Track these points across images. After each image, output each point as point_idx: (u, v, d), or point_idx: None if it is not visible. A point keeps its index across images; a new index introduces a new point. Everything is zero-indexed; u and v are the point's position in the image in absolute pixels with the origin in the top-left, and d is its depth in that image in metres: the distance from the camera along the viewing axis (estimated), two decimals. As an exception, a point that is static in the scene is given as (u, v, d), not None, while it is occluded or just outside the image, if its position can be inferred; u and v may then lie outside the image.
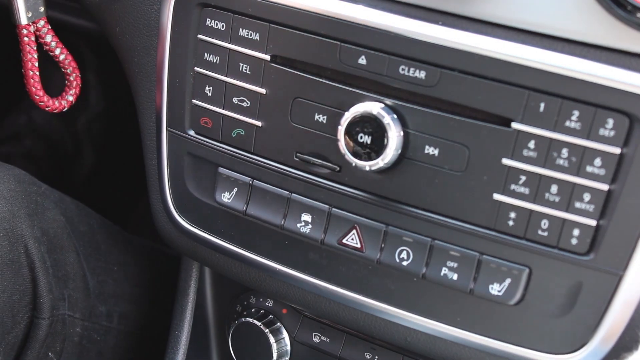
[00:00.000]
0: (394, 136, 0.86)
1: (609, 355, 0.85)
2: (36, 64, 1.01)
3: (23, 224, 1.06)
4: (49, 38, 1.01)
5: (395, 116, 0.87)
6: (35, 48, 1.00)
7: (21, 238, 1.05)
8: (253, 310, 1.09)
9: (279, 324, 1.08)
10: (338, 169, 0.93)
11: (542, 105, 0.81)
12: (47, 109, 1.04)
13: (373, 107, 0.87)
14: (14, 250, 1.04)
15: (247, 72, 0.96)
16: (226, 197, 1.00)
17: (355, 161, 0.88)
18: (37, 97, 1.03)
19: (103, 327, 1.17)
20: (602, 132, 0.80)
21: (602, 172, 0.81)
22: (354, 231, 0.94)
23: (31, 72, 1.01)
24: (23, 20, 0.98)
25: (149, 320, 1.23)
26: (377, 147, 0.87)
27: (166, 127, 1.02)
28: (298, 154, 0.95)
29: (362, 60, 0.89)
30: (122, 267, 1.22)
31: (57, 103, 1.04)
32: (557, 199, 0.83)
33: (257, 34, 0.94)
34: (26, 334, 1.07)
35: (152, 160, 1.04)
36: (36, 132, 1.57)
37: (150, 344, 1.20)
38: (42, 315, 1.07)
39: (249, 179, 0.99)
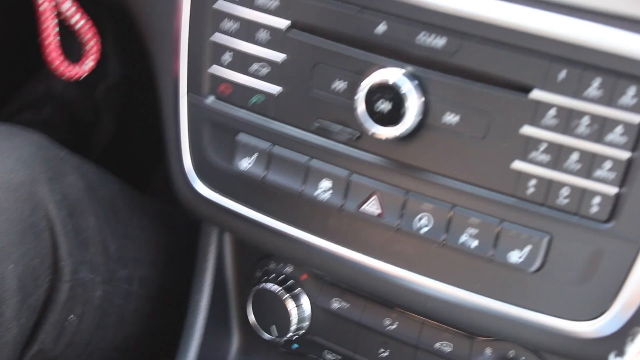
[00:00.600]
0: (414, 103, 0.87)
1: (629, 322, 0.85)
2: (55, 31, 1.01)
3: (43, 189, 1.06)
4: (67, 4, 1.01)
5: (415, 83, 0.87)
6: (54, 14, 1.00)
7: (42, 202, 1.05)
8: (273, 275, 1.09)
9: (298, 289, 1.08)
10: (358, 135, 0.93)
11: (563, 73, 0.81)
12: (65, 76, 1.04)
13: (393, 73, 0.87)
14: (35, 215, 1.04)
15: (267, 37, 0.96)
16: (245, 163, 1.00)
17: (375, 128, 0.89)
18: (56, 65, 1.02)
19: (124, 291, 1.17)
20: (622, 100, 0.79)
21: (622, 140, 0.81)
22: (374, 197, 0.94)
23: (50, 40, 1.01)
24: None
25: (169, 285, 1.23)
26: (397, 114, 0.87)
27: (185, 94, 1.02)
28: (317, 120, 0.95)
29: (383, 27, 0.89)
30: (143, 232, 1.22)
31: (75, 70, 1.04)
32: (577, 167, 0.83)
33: (277, 0, 0.94)
34: (47, 298, 1.07)
35: (171, 127, 1.04)
36: (55, 99, 1.56)
37: (171, 309, 1.21)
38: (63, 279, 1.08)
39: (268, 145, 0.98)
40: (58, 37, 1.03)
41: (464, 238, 0.90)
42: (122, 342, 1.23)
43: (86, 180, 1.14)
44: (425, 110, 0.88)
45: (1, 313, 1.01)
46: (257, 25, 0.96)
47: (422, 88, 0.88)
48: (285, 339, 1.10)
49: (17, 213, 1.04)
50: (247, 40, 0.97)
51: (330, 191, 0.96)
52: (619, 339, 0.84)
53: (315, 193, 0.97)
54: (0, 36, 1.60)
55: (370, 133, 0.90)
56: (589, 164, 0.83)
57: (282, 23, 0.95)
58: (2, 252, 1.02)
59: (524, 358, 1.00)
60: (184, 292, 1.16)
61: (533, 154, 0.85)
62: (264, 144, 0.99)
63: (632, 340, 0.82)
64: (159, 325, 1.25)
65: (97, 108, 1.60)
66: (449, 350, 1.03)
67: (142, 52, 1.09)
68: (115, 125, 1.61)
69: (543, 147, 0.84)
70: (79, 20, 1.03)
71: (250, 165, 1.00)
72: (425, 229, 0.92)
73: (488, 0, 0.85)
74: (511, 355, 1.00)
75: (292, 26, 0.94)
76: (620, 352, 0.82)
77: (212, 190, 1.04)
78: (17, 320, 1.04)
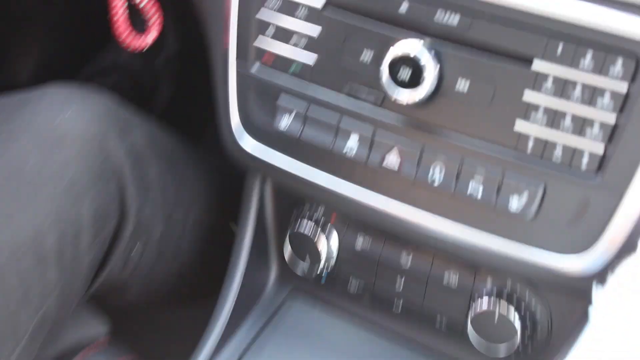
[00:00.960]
0: (431, 72, 0.87)
1: (610, 259, 0.86)
2: (123, 8, 1.02)
3: (113, 141, 1.06)
4: None
5: (432, 54, 0.88)
6: None
7: (112, 153, 1.06)
8: (306, 217, 1.10)
9: (328, 229, 1.08)
10: (382, 98, 0.94)
11: (560, 46, 0.82)
12: (130, 47, 1.05)
13: (413, 46, 0.88)
14: (106, 163, 1.05)
15: (305, 14, 0.96)
16: (284, 122, 1.00)
17: (397, 93, 0.89)
18: (123, 37, 1.03)
19: (178, 231, 1.18)
20: (611, 71, 0.80)
21: (610, 105, 0.81)
22: (394, 152, 0.94)
23: (118, 16, 1.01)
24: None
25: (217, 227, 1.24)
26: (416, 81, 0.88)
27: (233, 63, 1.02)
28: (347, 85, 0.96)
29: (405, 5, 0.89)
30: (196, 180, 1.22)
31: (139, 43, 1.04)
32: (570, 128, 0.84)
33: None
34: (116, 232, 1.08)
35: (221, 92, 1.04)
36: (121, 68, 1.57)
37: (218, 245, 1.21)
38: (129, 217, 1.09)
39: (305, 107, 0.99)
40: (125, 14, 1.03)
41: (471, 187, 0.91)
42: (177, 271, 1.24)
43: (149, 135, 1.14)
44: (440, 78, 0.89)
45: (78, 243, 1.03)
46: (297, 4, 0.96)
47: (438, 59, 0.88)
48: (315, 272, 1.11)
49: (90, 161, 1.05)
50: (287, 13, 0.97)
51: (357, 147, 0.97)
52: (602, 272, 0.85)
53: (344, 148, 0.97)
54: (75, 14, 1.60)
55: (393, 98, 0.90)
56: (581, 125, 0.84)
57: (318, 2, 0.95)
58: (78, 193, 1.03)
59: (519, 288, 1.00)
60: (230, 231, 1.16)
61: (532, 117, 0.86)
62: (300, 106, 0.99)
63: (613, 272, 0.83)
64: (208, 258, 1.25)
65: (156, 76, 1.60)
66: (455, 281, 1.03)
67: (197, 28, 1.09)
68: (172, 91, 1.61)
69: (541, 110, 0.85)
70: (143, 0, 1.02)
71: (288, 124, 1.00)
72: (437, 180, 0.93)
73: None
74: (508, 285, 1.00)
75: (327, 4, 0.95)
76: (602, 282, 0.83)
77: (255, 145, 1.05)
78: (91, 251, 1.05)
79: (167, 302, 1.32)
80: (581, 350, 0.79)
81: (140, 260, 1.15)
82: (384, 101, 0.94)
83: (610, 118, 0.82)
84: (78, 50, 1.65)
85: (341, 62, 0.95)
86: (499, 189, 0.89)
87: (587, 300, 0.84)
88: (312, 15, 0.96)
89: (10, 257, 0.97)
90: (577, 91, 0.83)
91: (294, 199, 1.12)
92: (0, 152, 1.03)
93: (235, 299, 1.13)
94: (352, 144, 0.97)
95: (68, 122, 1.06)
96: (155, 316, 1.35)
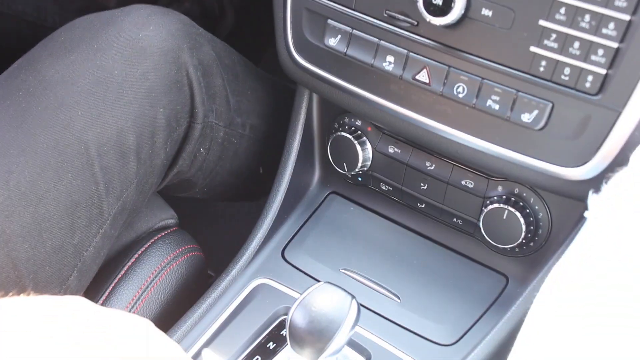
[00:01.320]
0: None
1: (605, 169, 0.87)
2: None
3: (186, 55, 1.07)
4: None
5: None
6: None
7: (184, 65, 1.06)
8: (346, 127, 1.10)
9: (364, 137, 1.09)
10: (416, 23, 0.93)
11: None
12: None
13: None
14: (179, 73, 1.05)
15: None
16: (332, 42, 1.00)
17: (429, 17, 0.89)
18: None
19: (238, 134, 1.19)
20: (617, 2, 0.80)
21: (614, 33, 0.81)
22: (425, 70, 0.95)
23: None
24: None
25: (271, 132, 1.24)
26: (446, 7, 0.87)
27: None
28: (387, 11, 0.95)
29: None
30: (254, 92, 1.22)
31: None
32: (578, 52, 0.84)
33: None
34: (185, 134, 1.09)
35: (279, 15, 1.04)
36: None
37: (271, 148, 1.22)
38: (197, 122, 1.09)
39: (350, 28, 0.99)
40: None
41: (489, 102, 0.91)
42: (236, 170, 1.25)
43: (215, 51, 1.14)
44: (467, 6, 0.88)
45: (154, 142, 1.04)
46: None
47: None
48: (353, 173, 1.12)
49: (166, 71, 1.05)
50: None
51: (393, 64, 0.97)
52: (597, 181, 0.84)
53: (382, 65, 0.97)
54: None
55: (425, 21, 0.90)
56: (587, 50, 0.83)
57: None
58: (155, 99, 1.04)
59: (525, 194, 1.01)
60: (281, 136, 1.16)
61: (545, 42, 0.85)
62: (346, 27, 0.99)
63: (607, 182, 0.82)
64: (263, 159, 1.26)
65: (222, 5, 1.58)
66: (471, 186, 1.04)
67: None
68: (235, 18, 1.59)
69: (554, 36, 0.85)
70: None
71: (335, 43, 1.01)
72: (461, 95, 0.93)
73: None
74: (516, 191, 1.01)
75: None
76: (597, 190, 0.82)
77: (306, 61, 1.05)
78: (164, 149, 1.07)
79: (225, 198, 1.33)
80: (576, 248, 0.78)
81: (205, 160, 1.15)
82: (418, 25, 0.94)
83: (613, 44, 0.82)
84: None
85: None
86: (513, 104, 0.90)
87: (583, 206, 0.83)
88: None
89: (98, 152, 0.98)
90: (587, 19, 0.82)
91: (336, 111, 1.13)
92: (92, 61, 1.02)
93: (283, 197, 1.14)
94: (389, 61, 0.97)
95: (148, 38, 1.05)
96: (215, 210, 1.36)
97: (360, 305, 0.87)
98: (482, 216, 1.01)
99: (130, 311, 1.04)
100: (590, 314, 0.69)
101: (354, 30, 0.99)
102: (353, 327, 0.85)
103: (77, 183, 0.96)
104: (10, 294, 0.84)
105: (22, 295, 0.71)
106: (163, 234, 1.13)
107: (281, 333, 0.98)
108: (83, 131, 0.97)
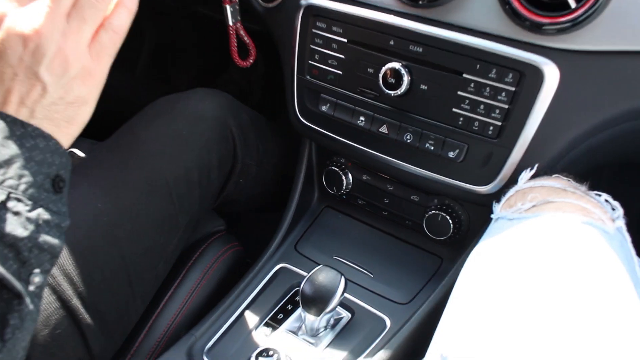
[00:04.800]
0: (406, 79, 0.88)
1: (502, 187, 0.87)
2: (236, 43, 1.02)
3: (230, 119, 1.06)
4: (242, 32, 1.02)
5: (407, 69, 0.88)
6: (235, 36, 1.01)
7: (229, 126, 1.05)
8: (335, 163, 1.10)
9: (347, 170, 1.08)
10: (378, 95, 0.94)
11: (478, 65, 0.83)
12: (239, 66, 1.05)
13: (396, 64, 0.89)
14: (225, 131, 1.05)
15: (336, 47, 0.96)
16: (324, 108, 1.01)
17: (387, 91, 0.90)
18: (236, 60, 1.03)
19: (264, 169, 1.17)
20: (506, 79, 0.81)
21: (505, 99, 0.82)
22: (385, 125, 0.95)
23: (233, 47, 1.01)
24: (230, 22, 1.00)
25: (285, 168, 1.22)
26: (397, 84, 0.89)
27: (296, 75, 1.02)
28: (359, 88, 0.96)
29: (392, 42, 0.90)
30: (274, 141, 1.21)
31: (244, 63, 1.05)
32: (483, 112, 0.85)
33: (341, 28, 0.94)
34: (230, 171, 1.08)
35: (290, 91, 1.04)
36: (231, 82, 1.57)
37: (285, 179, 1.20)
38: (238, 162, 1.08)
39: (335, 99, 0.99)
40: (236, 46, 1.02)
41: (427, 144, 0.92)
42: (264, 192, 1.23)
43: (248, 116, 1.13)
44: (410, 83, 0.89)
45: (210, 177, 1.03)
46: (332, 40, 0.96)
47: (410, 71, 0.89)
48: (340, 193, 1.10)
49: (217, 131, 1.04)
50: (326, 49, 0.97)
51: (364, 121, 0.97)
52: (498, 194, 0.86)
53: (357, 122, 0.97)
54: (209, 49, 1.61)
55: (384, 93, 0.91)
56: (489, 110, 0.84)
57: (343, 40, 0.95)
58: (210, 148, 1.03)
59: (452, 203, 1.00)
60: (291, 169, 1.16)
61: (462, 105, 0.86)
62: (333, 99, 1.00)
63: (504, 195, 0.83)
64: (280, 185, 1.23)
65: (252, 85, 1.59)
66: (417, 200, 1.03)
67: (276, 55, 1.08)
68: (260, 93, 1.60)
69: (467, 101, 0.86)
70: (246, 39, 1.02)
71: (326, 109, 1.01)
72: (409, 140, 0.93)
73: (440, 30, 0.85)
74: (446, 202, 1.00)
75: (348, 42, 0.95)
76: (498, 201, 0.84)
77: (307, 121, 1.04)
78: (217, 181, 1.05)
79: (256, 210, 1.31)
80: (485, 238, 0.77)
81: (243, 187, 1.13)
82: (379, 96, 0.94)
83: (505, 106, 0.83)
84: (210, 70, 1.65)
85: (356, 73, 0.95)
86: (443, 145, 0.90)
87: (489, 210, 0.84)
88: (340, 47, 0.95)
89: (174, 184, 0.96)
90: (487, 90, 0.83)
91: (328, 153, 1.12)
92: (169, 125, 1.02)
93: (294, 210, 1.13)
94: (362, 120, 0.97)
95: (205, 109, 1.05)
96: (250, 219, 1.34)
97: (347, 279, 0.88)
98: (424, 219, 1.01)
99: (196, 287, 1.02)
100: (491, 283, 0.69)
101: (338, 100, 0.99)
102: (342, 293, 0.86)
103: (161, 204, 0.96)
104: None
105: None
106: (216, 236, 1.11)
107: (295, 299, 0.97)
108: (164, 171, 0.97)
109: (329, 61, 0.96)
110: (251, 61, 1.06)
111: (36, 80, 0.53)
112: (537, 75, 0.79)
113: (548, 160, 0.83)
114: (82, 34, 0.54)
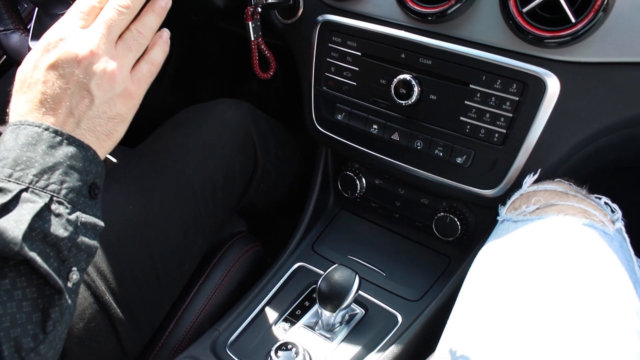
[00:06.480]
0: (416, 90, 0.89)
1: (508, 190, 0.87)
2: (257, 56, 1.01)
3: (251, 128, 1.06)
4: (263, 46, 1.01)
5: (417, 81, 0.89)
6: (257, 50, 1.00)
7: (250, 134, 1.06)
8: (349, 168, 1.09)
9: (361, 174, 1.08)
10: (390, 104, 0.94)
11: (484, 77, 0.83)
12: (261, 78, 1.04)
13: (407, 76, 0.89)
14: (247, 139, 1.05)
15: (351, 60, 0.96)
16: (339, 117, 1.01)
17: (398, 101, 0.90)
18: (257, 73, 1.03)
19: (282, 174, 1.17)
20: (511, 89, 0.81)
21: (509, 108, 0.82)
22: (396, 132, 0.95)
23: (255, 61, 1.01)
24: (252, 37, 0.99)
25: (302, 172, 1.22)
26: (408, 94, 0.89)
27: (313, 86, 1.02)
28: (372, 97, 0.96)
29: (403, 55, 0.90)
30: (291, 147, 1.21)
31: (265, 76, 1.04)
32: (489, 120, 0.85)
33: (355, 42, 0.95)
34: (251, 175, 1.08)
35: (307, 101, 1.04)
36: (252, 92, 1.57)
37: (302, 182, 1.19)
38: (259, 167, 1.08)
39: (350, 108, 0.99)
40: (258, 60, 1.02)
41: (436, 151, 0.92)
42: (282, 196, 1.23)
43: (268, 124, 1.13)
44: (420, 93, 0.89)
45: (233, 181, 1.03)
46: (346, 54, 0.97)
47: (420, 82, 0.89)
48: (354, 196, 1.10)
49: (240, 138, 1.05)
50: (341, 61, 0.98)
51: (377, 129, 0.97)
52: (504, 198, 0.86)
53: (370, 130, 0.98)
54: (232, 63, 1.62)
55: (397, 102, 0.91)
56: (494, 118, 0.85)
57: (357, 53, 0.95)
58: (233, 155, 1.03)
59: (460, 206, 1.00)
60: (307, 174, 1.15)
61: (469, 114, 0.87)
62: (347, 108, 1.00)
63: (509, 198, 0.84)
64: (297, 188, 1.23)
65: (271, 96, 1.59)
66: (427, 202, 1.03)
67: (294, 67, 1.08)
68: (279, 103, 1.60)
69: (474, 110, 0.86)
70: (267, 53, 1.01)
71: (341, 118, 1.01)
72: (419, 147, 0.93)
73: (448, 43, 0.86)
74: (454, 205, 1.00)
75: (362, 55, 0.95)
76: (504, 204, 0.84)
77: (324, 129, 1.04)
78: (239, 185, 1.06)
79: (277, 213, 1.30)
80: (492, 238, 0.77)
81: (264, 190, 1.13)
82: (391, 105, 0.94)
83: (510, 114, 0.83)
84: (233, 81, 1.66)
85: (370, 84, 0.96)
86: (451, 152, 0.90)
87: (495, 213, 0.84)
88: (355, 60, 0.96)
89: (200, 187, 0.97)
90: (492, 100, 0.84)
91: (343, 159, 1.12)
92: (195, 133, 1.02)
93: (311, 212, 1.13)
94: (375, 128, 0.97)
95: (229, 118, 1.06)
96: (269, 221, 1.32)
97: (361, 277, 0.88)
98: (434, 220, 1.00)
99: (219, 284, 1.02)
100: (498, 281, 0.69)
101: (353, 110, 0.99)
102: (357, 291, 0.86)
103: (187, 207, 0.96)
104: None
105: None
106: (238, 237, 1.11)
107: (313, 296, 0.97)
108: (191, 175, 0.98)
109: (344, 73, 0.95)
110: (271, 73, 1.06)
111: (86, 93, 0.57)
112: (539, 86, 0.79)
113: (550, 165, 0.84)
114: (127, 60, 0.60)
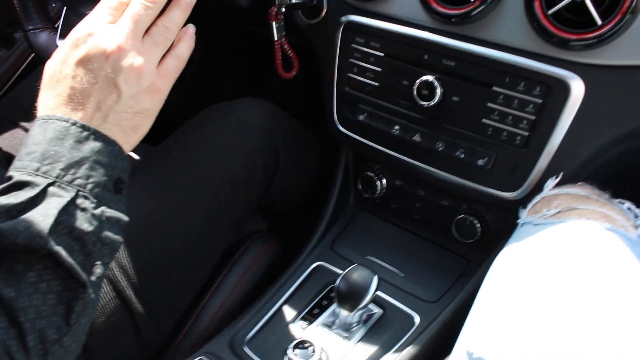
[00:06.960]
0: (438, 91, 0.89)
1: (529, 193, 0.86)
2: (280, 56, 1.02)
3: (273, 126, 1.07)
4: (286, 46, 1.02)
5: (439, 81, 0.89)
6: (280, 50, 1.01)
7: (272, 132, 1.07)
8: (370, 169, 1.09)
9: (381, 175, 1.08)
10: (412, 105, 0.94)
11: (507, 79, 0.83)
12: (283, 78, 1.05)
13: (429, 77, 0.89)
14: (269, 137, 1.06)
15: (374, 60, 0.97)
16: (361, 117, 1.01)
17: (421, 102, 0.91)
18: (280, 72, 1.04)
19: (303, 172, 1.18)
20: (534, 92, 0.81)
21: (532, 110, 0.82)
22: (418, 133, 0.95)
23: (278, 60, 1.02)
24: (276, 37, 1.00)
25: (322, 170, 1.22)
26: (430, 95, 0.89)
27: (336, 86, 1.02)
28: (394, 98, 0.96)
29: (426, 56, 0.91)
30: (312, 147, 1.22)
31: (288, 75, 1.05)
32: (511, 122, 0.85)
33: (378, 43, 0.96)
34: (272, 172, 1.09)
35: (330, 101, 1.04)
36: (274, 92, 1.59)
37: (322, 180, 1.20)
38: (280, 165, 1.09)
39: (372, 109, 1.00)
40: (281, 60, 1.03)
41: (458, 152, 0.92)
42: (303, 194, 1.24)
43: (289, 124, 1.14)
44: (443, 94, 0.89)
45: (254, 178, 1.04)
46: (369, 54, 0.97)
47: (442, 84, 0.89)
48: (374, 197, 1.10)
49: (261, 137, 1.06)
50: (364, 62, 0.98)
51: (399, 130, 0.97)
52: (525, 200, 0.85)
53: (392, 131, 0.98)
54: (254, 62, 1.63)
55: (419, 104, 0.91)
56: (517, 121, 0.84)
57: (380, 54, 0.96)
58: (255, 153, 1.04)
59: (480, 208, 0.99)
60: (327, 173, 1.16)
61: (491, 116, 0.86)
62: (370, 108, 1.00)
63: (530, 201, 0.83)
64: (316, 186, 1.23)
65: (292, 95, 1.61)
66: (447, 204, 1.03)
67: (317, 67, 1.08)
68: (300, 102, 1.61)
69: (496, 112, 0.86)
70: (290, 53, 1.02)
71: (363, 118, 1.02)
72: (440, 148, 0.93)
73: (472, 45, 0.86)
74: (474, 207, 1.00)
75: (385, 56, 0.96)
76: (524, 207, 0.83)
77: (346, 129, 1.05)
78: (260, 182, 1.07)
79: (296, 211, 1.31)
80: (512, 241, 0.77)
81: (284, 188, 1.14)
82: (413, 107, 0.94)
83: (532, 117, 0.83)
84: (255, 81, 1.67)
85: (392, 85, 0.96)
86: (473, 154, 0.90)
87: (516, 215, 0.84)
88: (378, 61, 0.96)
89: (221, 185, 0.98)
90: (515, 102, 0.83)
91: (364, 159, 1.12)
92: (217, 132, 1.04)
93: (331, 212, 1.13)
94: (396, 129, 0.98)
95: (251, 117, 1.07)
96: (288, 219, 1.33)
97: (379, 278, 0.89)
98: (453, 222, 1.01)
99: (238, 282, 1.04)
100: (517, 284, 0.69)
101: (375, 110, 0.99)
102: (375, 291, 0.87)
103: (209, 204, 0.98)
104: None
105: None
106: (258, 235, 1.12)
107: (331, 295, 0.97)
108: (213, 173, 0.99)
109: (367, 74, 0.96)
110: (294, 73, 1.06)
111: (114, 88, 0.57)
112: (563, 89, 0.79)
113: (573, 169, 0.83)
114: (153, 55, 0.60)
